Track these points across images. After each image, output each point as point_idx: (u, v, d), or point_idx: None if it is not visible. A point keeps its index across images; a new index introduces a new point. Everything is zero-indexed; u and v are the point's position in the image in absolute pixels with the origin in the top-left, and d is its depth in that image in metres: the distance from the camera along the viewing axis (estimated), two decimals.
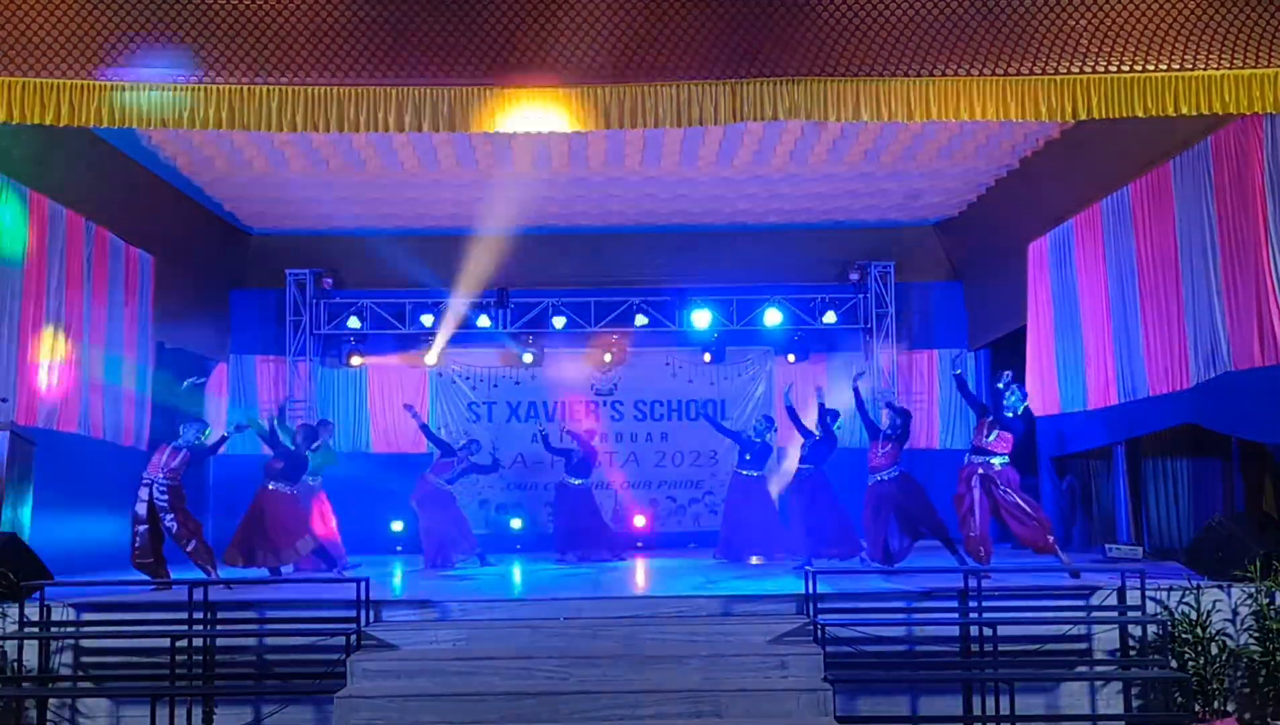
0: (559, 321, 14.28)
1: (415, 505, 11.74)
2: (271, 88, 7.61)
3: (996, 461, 9.11)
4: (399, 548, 13.43)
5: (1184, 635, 7.44)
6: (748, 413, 14.34)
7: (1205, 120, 8.34)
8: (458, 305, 14.04)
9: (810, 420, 11.18)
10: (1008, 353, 13.33)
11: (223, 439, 10.10)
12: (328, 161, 11.46)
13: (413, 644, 7.59)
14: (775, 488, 12.54)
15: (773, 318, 14.29)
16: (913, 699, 7.44)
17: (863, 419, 10.26)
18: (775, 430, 12.04)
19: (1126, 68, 7.64)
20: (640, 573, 11.02)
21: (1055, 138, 10.86)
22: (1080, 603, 7.83)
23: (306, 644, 7.64)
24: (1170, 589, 7.70)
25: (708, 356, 14.58)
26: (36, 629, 7.66)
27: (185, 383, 10.52)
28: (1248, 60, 7.59)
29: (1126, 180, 10.37)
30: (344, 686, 7.05)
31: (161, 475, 9.37)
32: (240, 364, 14.49)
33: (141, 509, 9.34)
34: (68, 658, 7.72)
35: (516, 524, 14.23)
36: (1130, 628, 7.63)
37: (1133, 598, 7.68)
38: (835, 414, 11.10)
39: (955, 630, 7.64)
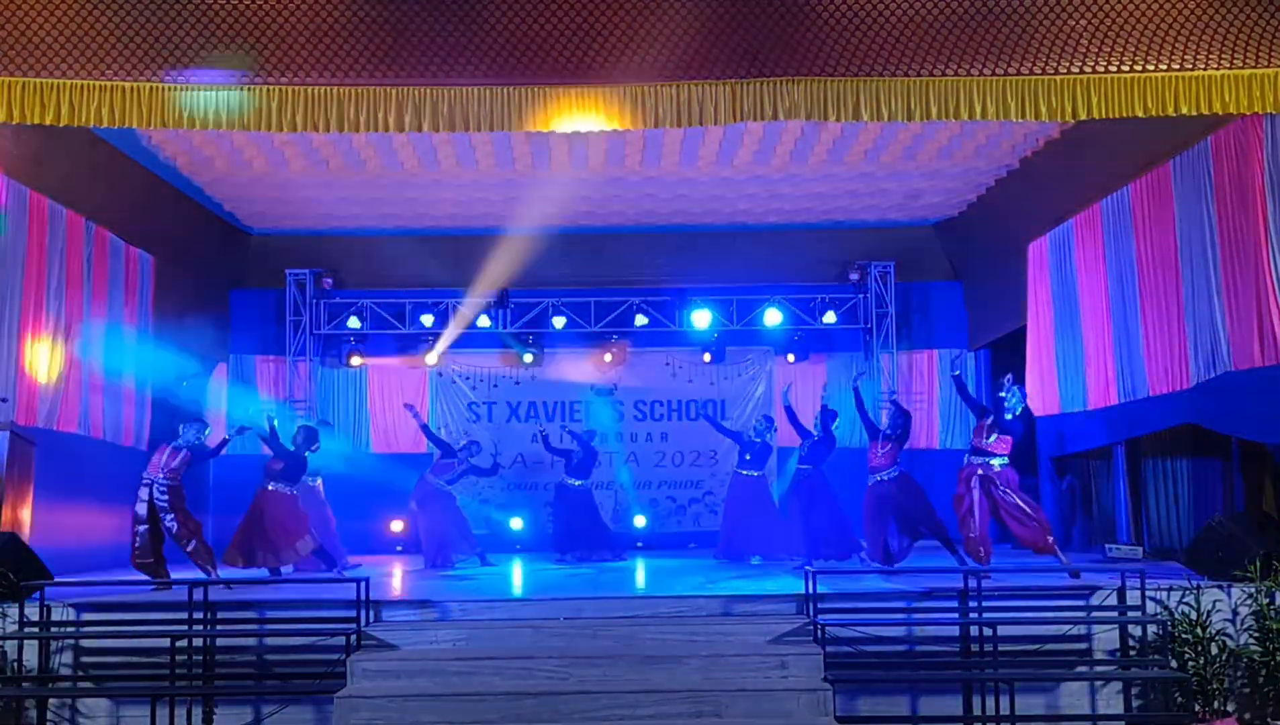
0: (559, 321, 14.28)
1: (415, 505, 11.75)
2: (271, 88, 7.61)
3: (996, 462, 9.12)
4: (399, 548, 13.42)
5: (1184, 635, 7.44)
6: (748, 413, 14.34)
7: (1205, 120, 8.34)
8: (470, 305, 14.02)
9: (808, 420, 11.20)
10: (1008, 353, 13.33)
11: (224, 442, 10.11)
12: (328, 161, 11.46)
13: (413, 644, 7.59)
14: None
15: (773, 318, 14.29)
16: (913, 699, 7.44)
17: (862, 419, 10.26)
18: (775, 430, 12.04)
19: (1126, 68, 7.65)
20: (640, 573, 11.02)
21: (1055, 138, 10.86)
22: (1080, 603, 7.83)
23: (306, 644, 7.64)
24: (1170, 589, 7.70)
25: (708, 356, 14.57)
26: (36, 629, 7.66)
27: (184, 381, 10.50)
28: (1248, 60, 7.60)
29: (1126, 180, 10.37)
30: (344, 686, 7.05)
31: (162, 475, 9.37)
32: (240, 364, 14.49)
33: (142, 509, 9.34)
34: (68, 658, 7.71)
35: (516, 524, 14.23)
36: (1130, 628, 7.63)
37: (1133, 598, 7.68)
38: (834, 414, 11.11)
39: (955, 630, 7.64)
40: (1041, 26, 7.74)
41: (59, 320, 10.34)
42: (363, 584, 7.71)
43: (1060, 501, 12.65)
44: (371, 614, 7.80)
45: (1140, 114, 7.68)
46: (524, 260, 13.47)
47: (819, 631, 7.40)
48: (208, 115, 7.59)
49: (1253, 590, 7.60)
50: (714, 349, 14.52)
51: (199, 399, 13.22)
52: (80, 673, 7.70)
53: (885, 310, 14.42)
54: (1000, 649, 7.43)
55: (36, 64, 7.48)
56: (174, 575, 9.28)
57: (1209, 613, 7.54)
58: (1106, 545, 11.24)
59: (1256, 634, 7.51)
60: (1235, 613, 7.69)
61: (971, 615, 7.61)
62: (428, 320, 14.26)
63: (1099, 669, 7.59)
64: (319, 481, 11.40)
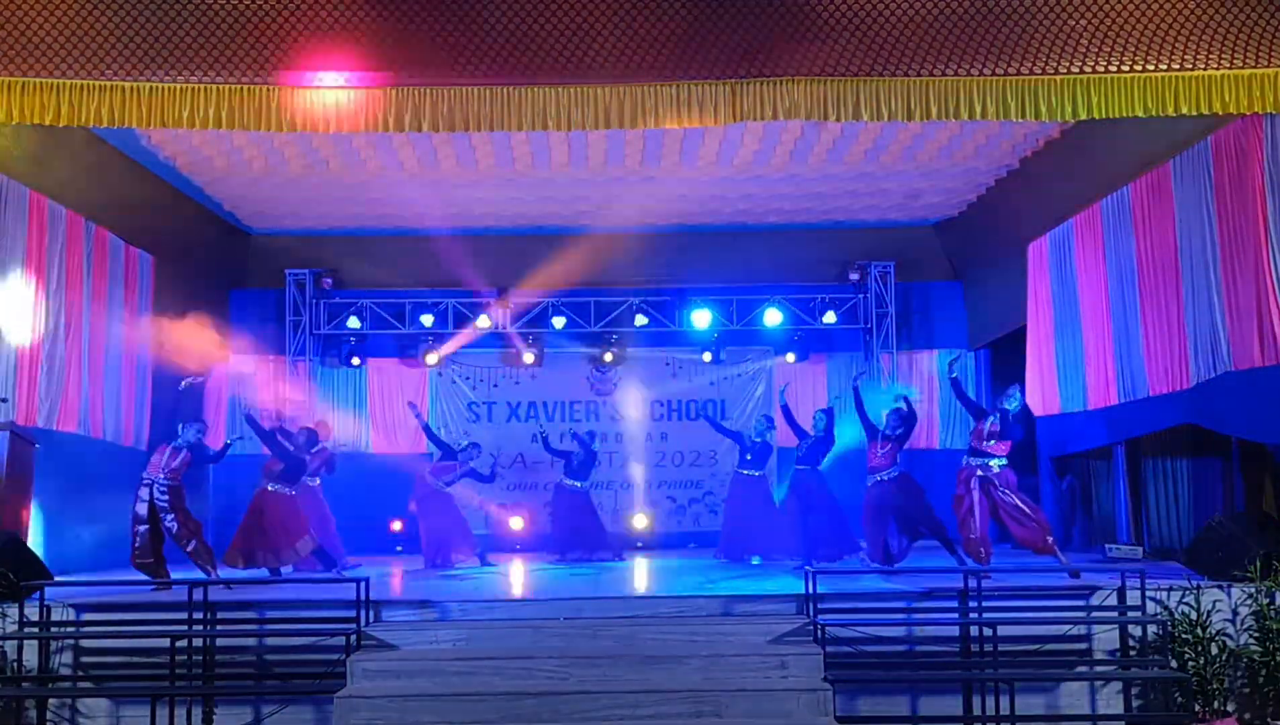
0: (559, 321, 14.27)
1: (415, 506, 11.75)
2: (271, 88, 7.61)
3: (995, 463, 9.12)
4: (399, 548, 13.42)
5: (1184, 635, 7.45)
6: (748, 413, 14.34)
7: (1205, 120, 8.34)
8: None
9: (806, 420, 11.20)
10: (1008, 352, 13.34)
11: (226, 447, 10.12)
12: (328, 161, 11.45)
13: (413, 644, 7.59)
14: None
15: (773, 318, 14.28)
16: (913, 699, 7.44)
17: (862, 420, 10.25)
18: (775, 429, 12.04)
19: (1126, 68, 7.65)
20: (640, 573, 11.02)
21: (1055, 138, 10.86)
22: (1080, 603, 7.84)
23: (306, 644, 7.64)
24: (1170, 589, 7.71)
25: (708, 356, 14.57)
26: (36, 629, 7.66)
27: (183, 383, 10.50)
28: (1248, 60, 7.59)
29: (1126, 180, 10.37)
30: (344, 686, 7.05)
31: (162, 475, 9.37)
32: (240, 364, 14.46)
33: (142, 509, 9.34)
34: (68, 658, 7.72)
35: (516, 524, 14.23)
36: (1130, 628, 7.63)
37: (1133, 598, 7.68)
38: (833, 413, 11.10)
39: (955, 630, 7.64)
40: (1041, 26, 7.74)
41: (59, 320, 10.34)
42: (363, 584, 7.71)
43: (1060, 501, 12.64)
44: (371, 614, 7.80)
45: (1140, 114, 7.68)
46: (520, 258, 13.51)
47: (819, 631, 7.40)
48: (207, 115, 7.59)
49: (1253, 590, 7.60)
50: (714, 349, 14.51)
51: (199, 399, 13.22)
52: (80, 673, 7.70)
53: (885, 310, 14.42)
54: (1000, 649, 7.43)
55: (36, 64, 7.48)
56: (174, 575, 9.28)
57: (1209, 613, 7.54)
58: (1106, 545, 11.24)
59: (1256, 634, 7.51)
60: (1235, 613, 7.69)
61: (971, 615, 7.61)
62: (428, 320, 14.25)
63: (1099, 669, 7.59)
64: (317, 481, 11.40)
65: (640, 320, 14.27)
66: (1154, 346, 10.05)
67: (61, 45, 7.52)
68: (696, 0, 7.77)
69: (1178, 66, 7.62)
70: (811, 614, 7.65)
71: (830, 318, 14.31)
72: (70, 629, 7.77)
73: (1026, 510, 9.07)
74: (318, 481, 11.39)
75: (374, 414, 14.66)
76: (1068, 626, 7.65)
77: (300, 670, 7.56)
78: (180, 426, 9.71)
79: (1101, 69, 7.65)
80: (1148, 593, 7.65)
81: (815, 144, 11.15)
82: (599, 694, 6.83)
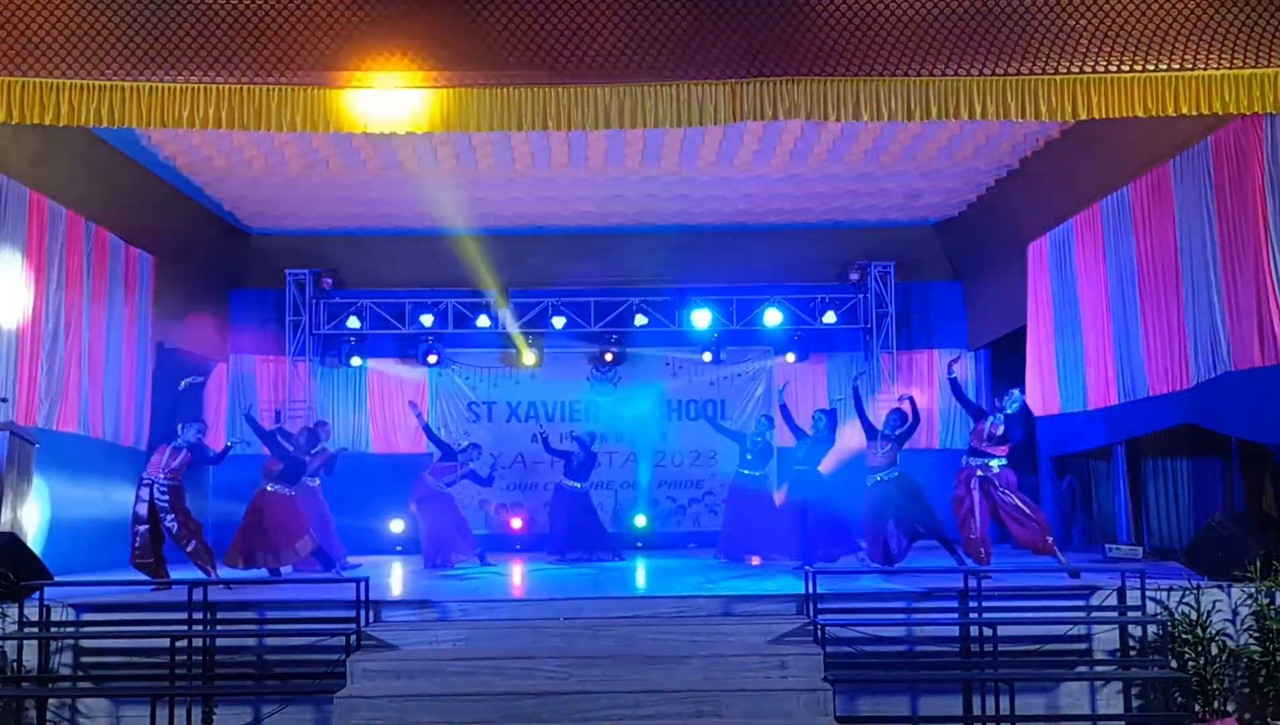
0: (559, 321, 14.27)
1: (414, 506, 11.75)
2: (271, 88, 7.61)
3: (994, 463, 9.12)
4: (399, 548, 13.42)
5: (1184, 635, 7.44)
6: (748, 413, 14.35)
7: (1205, 120, 8.35)
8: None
9: (805, 420, 11.19)
10: (1008, 352, 13.34)
11: (226, 449, 10.12)
12: (328, 161, 11.46)
13: (413, 644, 7.59)
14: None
15: (773, 318, 14.29)
16: (913, 699, 7.44)
17: (861, 420, 10.24)
18: (775, 429, 12.04)
19: (1126, 68, 7.64)
20: (640, 573, 11.02)
21: (1055, 138, 10.86)
22: (1080, 603, 7.83)
23: (306, 644, 7.64)
24: (1170, 589, 7.70)
25: (708, 356, 14.57)
26: (36, 629, 7.66)
27: (183, 382, 10.50)
28: (1248, 60, 7.59)
29: (1126, 180, 10.37)
30: (344, 687, 7.04)
31: (162, 475, 9.37)
32: (240, 364, 14.48)
33: (142, 509, 9.34)
34: (67, 658, 7.71)
35: (516, 524, 14.22)
36: (1130, 628, 7.63)
37: (1133, 598, 7.68)
38: (833, 413, 11.09)
39: (955, 630, 7.64)
40: (1041, 26, 7.74)
41: (59, 320, 10.34)
42: (362, 584, 7.70)
43: (1060, 501, 12.64)
44: (371, 614, 7.80)
45: (1140, 114, 7.68)
46: (520, 258, 13.50)
47: (819, 631, 7.40)
48: (207, 115, 7.58)
49: (1253, 590, 7.60)
50: (714, 349, 14.51)
51: (199, 399, 13.21)
52: (80, 673, 7.69)
53: (885, 310, 14.42)
54: (1000, 649, 7.43)
55: (36, 64, 7.48)
56: (174, 575, 9.28)
57: (1209, 613, 7.54)
58: (1106, 545, 11.24)
59: (1256, 634, 7.50)
60: (1235, 613, 7.69)
61: (971, 615, 7.61)
62: (427, 320, 14.26)
63: (1099, 669, 7.59)
64: (317, 481, 11.40)
65: (640, 320, 14.27)
66: (1154, 346, 10.05)
67: (61, 45, 7.52)
68: (696, 0, 7.78)
69: (1178, 66, 7.62)
70: (811, 614, 7.65)
71: (830, 318, 14.32)
72: (70, 629, 7.76)
73: (1026, 510, 9.06)
74: (317, 482, 11.39)
75: (374, 414, 14.66)
76: (1068, 626, 7.64)
77: (300, 670, 7.56)
78: (180, 426, 9.69)
79: (1101, 69, 7.65)
80: (1148, 593, 7.65)
81: (815, 144, 11.16)
82: (599, 694, 6.83)
